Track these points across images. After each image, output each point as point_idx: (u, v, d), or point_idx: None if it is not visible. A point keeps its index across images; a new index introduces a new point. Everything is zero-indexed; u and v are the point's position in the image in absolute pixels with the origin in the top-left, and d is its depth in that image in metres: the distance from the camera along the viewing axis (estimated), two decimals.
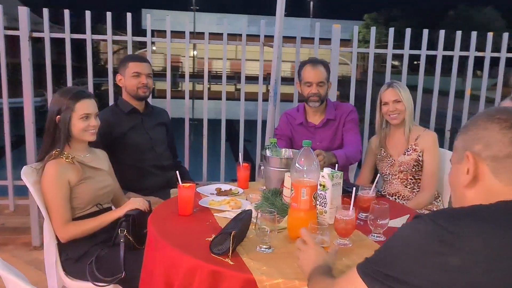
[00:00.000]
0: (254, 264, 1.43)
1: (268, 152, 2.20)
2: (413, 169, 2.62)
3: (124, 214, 1.93)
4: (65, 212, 1.95)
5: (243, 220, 1.59)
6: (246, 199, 2.08)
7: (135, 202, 1.99)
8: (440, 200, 2.68)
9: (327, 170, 1.85)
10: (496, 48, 3.79)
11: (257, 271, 1.38)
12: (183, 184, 1.88)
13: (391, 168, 2.67)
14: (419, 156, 2.60)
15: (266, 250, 1.53)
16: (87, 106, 2.04)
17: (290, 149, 2.29)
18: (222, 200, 2.01)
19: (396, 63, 6.16)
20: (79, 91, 2.06)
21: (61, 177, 1.94)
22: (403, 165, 2.63)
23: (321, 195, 1.85)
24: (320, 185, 1.86)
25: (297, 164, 1.65)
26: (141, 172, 2.51)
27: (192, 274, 1.45)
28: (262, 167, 2.20)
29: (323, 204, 1.84)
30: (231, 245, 1.46)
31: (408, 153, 2.62)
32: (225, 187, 2.24)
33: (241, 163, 2.33)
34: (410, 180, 2.65)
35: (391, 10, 35.15)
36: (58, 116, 1.98)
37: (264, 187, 2.28)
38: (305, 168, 1.63)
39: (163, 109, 2.91)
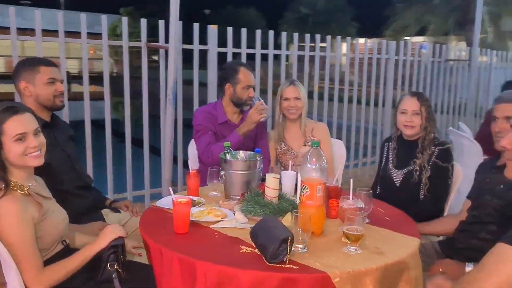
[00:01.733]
0: (317, 263, 1.49)
1: (229, 156, 2.19)
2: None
3: (110, 246, 1.67)
4: (37, 258, 1.55)
5: (278, 224, 1.61)
6: (220, 206, 2.04)
7: (116, 230, 1.73)
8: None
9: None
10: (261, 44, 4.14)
11: (327, 268, 1.46)
12: (179, 200, 1.75)
13: (295, 160, 2.94)
14: None
15: (303, 249, 1.59)
16: (20, 123, 1.64)
17: (243, 152, 2.32)
18: (200, 212, 1.93)
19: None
20: (5, 108, 1.64)
21: (25, 214, 1.54)
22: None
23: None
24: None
25: (308, 164, 1.75)
26: (64, 196, 2.12)
27: (257, 286, 1.42)
28: (222, 172, 2.17)
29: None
30: (288, 250, 1.48)
31: (308, 144, 2.92)
32: (181, 198, 2.13)
33: (190, 171, 2.25)
34: (292, 167, 2.95)
35: (147, 4, 34.46)
36: None
37: (216, 192, 2.26)
38: (315, 167, 1.74)
39: (63, 120, 2.48)
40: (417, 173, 2.37)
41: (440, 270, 1.85)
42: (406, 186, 2.42)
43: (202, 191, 2.28)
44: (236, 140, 2.60)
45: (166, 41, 3.24)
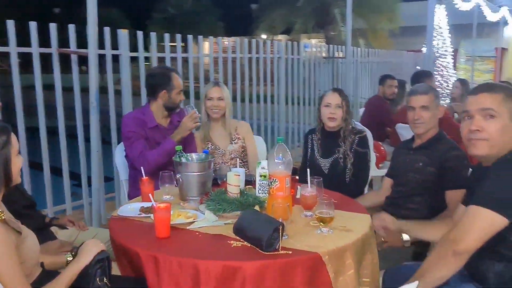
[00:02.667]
0: (304, 246, 1.67)
1: (184, 159, 2.24)
2: (242, 154, 3.13)
3: (96, 260, 1.62)
4: (27, 285, 1.45)
5: (262, 216, 1.75)
6: (183, 209, 2.09)
7: (97, 244, 1.68)
8: None
9: (265, 162, 2.16)
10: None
11: (315, 248, 1.65)
12: (159, 205, 1.77)
13: (223, 157, 3.08)
14: (243, 143, 3.13)
15: (285, 237, 1.76)
16: (15, 139, 1.57)
17: (195, 154, 2.38)
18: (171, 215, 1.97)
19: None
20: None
21: (7, 240, 1.43)
22: (234, 153, 3.08)
23: (263, 184, 2.16)
24: (261, 175, 2.17)
25: (276, 159, 1.92)
26: (15, 217, 1.95)
27: (262, 274, 1.55)
28: (178, 175, 2.21)
29: (266, 192, 2.14)
30: (280, 238, 1.64)
31: (235, 141, 3.09)
32: (144, 204, 2.13)
33: (144, 176, 2.25)
34: (240, 164, 3.15)
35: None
36: None
37: (169, 196, 2.30)
38: (282, 161, 1.92)
39: None
40: (342, 160, 2.70)
41: (382, 239, 2.16)
42: (334, 172, 2.72)
43: (154, 196, 2.29)
44: (171, 146, 2.65)
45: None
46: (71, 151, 3.38)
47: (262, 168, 2.15)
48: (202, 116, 2.98)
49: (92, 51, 2.92)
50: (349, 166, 2.69)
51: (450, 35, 12.13)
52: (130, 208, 2.11)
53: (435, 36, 13.32)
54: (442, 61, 11.82)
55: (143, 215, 2.02)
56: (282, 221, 1.73)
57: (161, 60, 4.16)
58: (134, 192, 2.83)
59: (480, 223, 1.44)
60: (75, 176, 3.58)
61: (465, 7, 10.22)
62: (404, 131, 3.94)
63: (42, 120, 3.11)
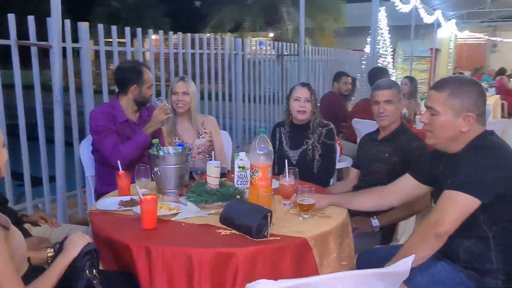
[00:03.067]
0: (290, 232, 1.75)
1: (162, 152, 2.24)
2: (209, 149, 3.16)
3: (85, 252, 1.61)
4: (18, 280, 1.41)
5: (249, 204, 1.81)
6: (163, 201, 2.10)
7: (83, 236, 1.66)
8: None
9: (243, 154, 2.22)
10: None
11: (301, 233, 1.73)
12: (145, 197, 1.78)
13: (192, 151, 3.09)
14: (210, 137, 3.16)
15: (272, 224, 1.83)
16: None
17: (171, 147, 2.38)
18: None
19: None
20: None
21: None
22: (201, 147, 3.10)
23: (241, 176, 2.21)
24: (240, 167, 2.22)
25: (258, 150, 1.98)
26: None
27: (254, 260, 1.61)
28: (156, 168, 2.21)
29: (244, 183, 2.21)
30: (269, 224, 1.71)
31: (202, 136, 3.11)
32: (123, 198, 2.11)
33: (121, 170, 2.24)
34: (207, 159, 3.17)
35: None
36: None
37: (145, 190, 2.29)
38: (264, 152, 1.99)
39: None
40: (310, 151, 2.81)
41: (354, 226, 2.29)
42: (302, 163, 2.82)
43: (130, 190, 2.28)
44: (144, 139, 2.65)
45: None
46: (30, 150, 3.23)
47: (240, 160, 2.20)
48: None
49: (56, 44, 2.82)
50: (317, 157, 2.80)
51: (390, 36, 12.71)
52: (109, 202, 2.09)
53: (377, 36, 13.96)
54: (383, 61, 12.38)
55: (123, 208, 2.02)
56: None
57: (110, 54, 3.90)
58: (102, 188, 2.79)
59: (457, 206, 1.58)
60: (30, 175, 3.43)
61: (404, 9, 10.74)
62: (359, 126, 4.13)
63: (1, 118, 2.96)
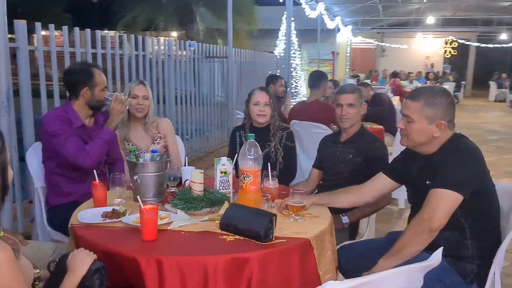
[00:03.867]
0: (291, 233, 1.81)
1: (141, 159, 2.15)
2: (164, 154, 3.08)
3: (94, 270, 1.51)
4: None
5: (251, 209, 1.84)
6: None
7: (88, 254, 1.55)
8: None
9: (225, 159, 2.22)
10: None
11: (303, 234, 1.80)
12: (145, 207, 1.71)
13: None
14: (165, 142, 3.08)
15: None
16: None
17: (146, 153, 2.29)
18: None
19: None
20: None
21: (13, 257, 1.25)
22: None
23: (223, 181, 2.22)
24: (222, 172, 2.22)
25: (248, 155, 2.01)
26: None
27: (267, 263, 1.65)
28: (136, 176, 2.12)
29: (226, 187, 2.21)
30: (274, 227, 1.75)
31: (156, 141, 3.02)
32: (104, 209, 2.00)
33: (97, 180, 2.11)
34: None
35: None
36: None
37: (120, 199, 2.19)
38: (254, 156, 2.02)
39: None
40: (273, 154, 2.89)
41: None
42: (266, 166, 2.89)
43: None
44: (110, 135, 2.57)
45: None
46: None
47: (222, 164, 2.21)
48: (123, 118, 2.86)
49: (2, 44, 2.54)
50: (280, 159, 2.89)
51: (297, 39, 13.29)
52: (90, 215, 1.96)
53: (285, 39, 14.50)
54: (291, 63, 12.90)
55: (109, 220, 1.92)
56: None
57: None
58: (56, 200, 2.61)
59: (447, 203, 1.76)
60: None
61: (312, 14, 11.32)
62: (298, 127, 4.30)
63: None
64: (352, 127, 2.68)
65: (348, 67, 20.43)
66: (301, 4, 10.48)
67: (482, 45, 21.54)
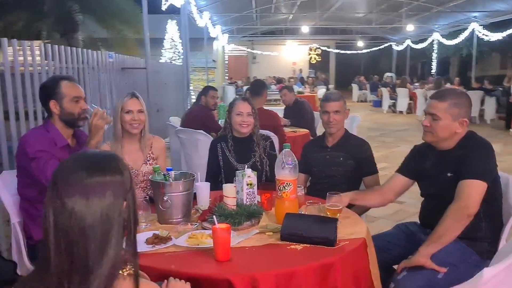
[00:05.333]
0: (347, 235, 1.89)
1: (170, 179, 2.02)
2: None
3: None
4: None
5: (310, 216, 1.89)
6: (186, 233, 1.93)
7: (184, 284, 1.44)
8: None
9: (250, 171, 2.21)
10: None
11: (357, 234, 1.90)
12: (219, 226, 1.65)
13: (136, 179, 2.66)
14: (156, 164, 2.80)
15: None
16: None
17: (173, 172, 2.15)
18: (193, 240, 1.83)
19: None
20: None
21: None
22: (147, 175, 2.65)
23: (249, 193, 2.21)
24: (248, 184, 2.21)
25: (287, 164, 2.04)
26: None
27: (345, 266, 1.71)
28: (165, 198, 1.98)
29: (252, 199, 2.21)
30: (336, 232, 1.83)
31: (149, 162, 2.71)
32: (142, 236, 1.84)
33: None
34: (149, 187, 2.82)
35: None
36: None
37: (145, 223, 2.05)
38: (292, 165, 2.06)
39: None
40: (259, 163, 2.92)
41: None
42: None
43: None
44: None
45: None
46: None
47: (248, 177, 2.20)
48: (116, 132, 2.63)
49: None
50: (266, 168, 2.93)
51: (183, 48, 13.24)
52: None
53: (171, 48, 14.32)
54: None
55: (158, 247, 1.78)
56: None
57: None
58: (41, 234, 2.30)
59: (478, 191, 2.02)
60: None
61: (201, 23, 11.40)
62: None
63: None
64: (338, 131, 2.86)
65: (227, 74, 20.93)
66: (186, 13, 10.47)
67: (342, 51, 23.89)
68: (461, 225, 2.01)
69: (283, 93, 5.65)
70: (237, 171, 2.28)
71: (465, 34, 15.19)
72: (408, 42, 19.73)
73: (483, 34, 14.49)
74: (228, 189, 2.11)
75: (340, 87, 23.55)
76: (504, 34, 13.81)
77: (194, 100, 12.19)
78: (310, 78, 18.97)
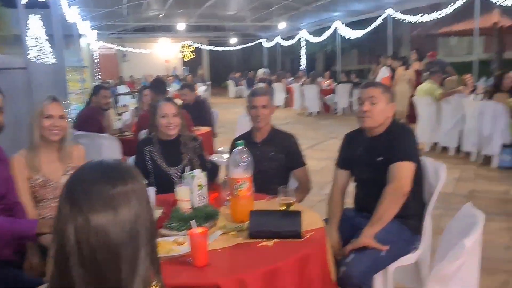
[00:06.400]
0: (307, 226, 1.95)
1: None
2: None
3: None
4: None
5: (272, 212, 1.90)
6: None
7: None
8: None
9: (198, 171, 2.15)
10: None
11: (315, 224, 1.97)
12: (194, 231, 1.57)
13: (54, 192, 2.40)
14: None
15: None
16: None
17: None
18: (166, 248, 1.72)
19: None
20: None
21: None
22: None
23: (200, 194, 2.14)
24: (199, 185, 2.14)
25: (241, 162, 2.02)
26: None
27: (321, 255, 1.78)
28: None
29: (203, 200, 2.15)
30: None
31: (69, 173, 2.45)
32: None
33: None
34: None
35: None
36: None
37: None
38: (246, 163, 2.05)
39: None
40: (190, 166, 2.83)
41: None
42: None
43: None
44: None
45: None
46: None
47: (198, 179, 2.13)
48: (34, 139, 2.32)
49: None
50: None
51: (51, 45, 12.15)
52: None
53: (36, 46, 12.97)
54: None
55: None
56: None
57: None
58: None
59: (408, 171, 2.24)
60: None
61: (71, 18, 10.53)
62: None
63: None
64: (266, 126, 2.91)
65: (98, 74, 19.75)
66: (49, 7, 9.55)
67: (214, 48, 24.16)
68: (398, 204, 2.21)
69: (184, 92, 5.53)
70: (185, 173, 2.20)
71: (329, 32, 16.48)
72: (278, 39, 20.71)
73: (345, 32, 15.87)
74: (182, 192, 2.03)
75: (216, 84, 23.82)
76: (362, 32, 15.28)
77: (68, 102, 11.30)
78: (189, 75, 18.82)
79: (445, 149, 6.89)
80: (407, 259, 2.29)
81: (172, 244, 1.73)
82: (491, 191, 5.06)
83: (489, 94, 6.38)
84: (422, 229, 2.39)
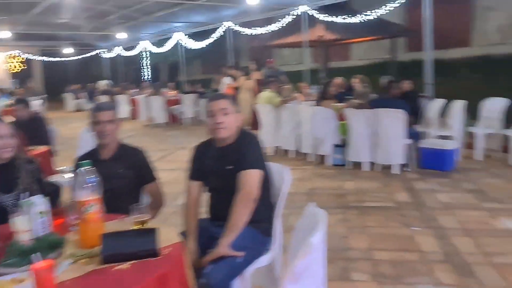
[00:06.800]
0: (167, 241, 1.91)
1: None
2: None
3: None
4: None
5: (125, 232, 1.81)
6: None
7: None
8: None
9: (38, 197, 1.94)
10: None
11: (175, 239, 1.95)
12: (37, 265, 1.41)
13: None
14: None
15: None
16: None
17: None
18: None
19: None
20: None
21: None
22: None
23: (43, 221, 1.94)
24: (40, 212, 1.94)
25: (89, 183, 1.89)
26: None
27: (182, 268, 1.76)
28: None
29: (46, 229, 1.95)
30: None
31: None
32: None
33: None
34: None
35: None
36: None
37: None
38: (93, 182, 1.92)
39: None
40: (28, 193, 2.53)
41: None
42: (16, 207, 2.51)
43: None
44: None
45: None
46: None
47: (38, 205, 1.93)
48: None
49: None
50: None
51: None
52: None
53: None
54: None
55: None
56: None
57: None
58: None
59: (256, 178, 2.34)
60: None
61: None
62: None
63: None
64: (113, 142, 2.77)
65: None
66: None
67: (48, 58, 22.24)
68: (249, 210, 2.32)
69: (19, 108, 4.94)
70: (20, 201, 1.97)
71: (172, 42, 16.50)
72: (118, 49, 19.99)
73: (185, 43, 16.07)
74: (20, 222, 1.81)
75: (51, 97, 21.88)
76: (204, 43, 15.65)
77: None
78: (21, 89, 16.92)
79: (286, 151, 7.46)
80: (261, 262, 2.41)
81: (10, 285, 1.53)
82: (328, 187, 5.63)
83: (317, 100, 7.15)
84: (273, 231, 2.53)
